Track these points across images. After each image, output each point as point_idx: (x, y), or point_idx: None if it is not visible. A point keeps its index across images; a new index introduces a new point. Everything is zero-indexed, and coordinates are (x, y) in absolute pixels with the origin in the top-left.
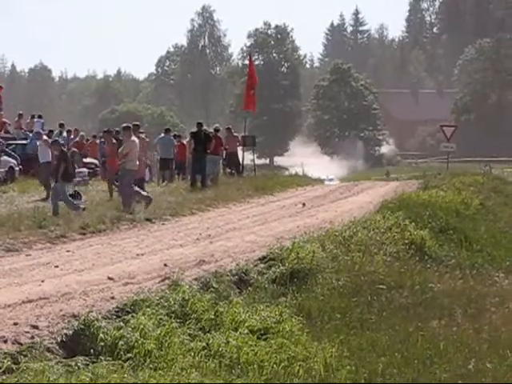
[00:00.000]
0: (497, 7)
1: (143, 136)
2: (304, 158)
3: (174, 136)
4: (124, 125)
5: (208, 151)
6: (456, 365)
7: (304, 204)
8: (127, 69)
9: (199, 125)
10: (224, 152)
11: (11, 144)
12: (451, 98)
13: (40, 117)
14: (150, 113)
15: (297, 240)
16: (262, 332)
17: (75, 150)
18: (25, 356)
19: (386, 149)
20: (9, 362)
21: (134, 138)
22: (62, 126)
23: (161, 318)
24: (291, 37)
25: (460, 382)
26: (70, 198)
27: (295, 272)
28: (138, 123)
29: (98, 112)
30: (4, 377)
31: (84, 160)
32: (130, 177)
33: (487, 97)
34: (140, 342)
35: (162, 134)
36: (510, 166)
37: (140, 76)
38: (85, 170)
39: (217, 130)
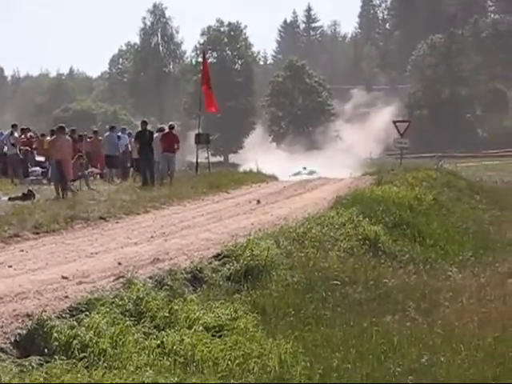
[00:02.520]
0: (449, 2)
1: (67, 137)
2: (259, 154)
3: (129, 134)
4: None
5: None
6: (410, 359)
7: (258, 201)
8: (80, 67)
9: (144, 123)
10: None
11: None
12: (404, 93)
13: None
14: (104, 111)
15: (251, 237)
16: (217, 329)
17: (28, 148)
18: None
19: (341, 145)
20: None
21: None
22: (14, 126)
23: (115, 317)
24: (244, 34)
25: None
26: None
27: (250, 269)
28: (62, 125)
29: (52, 110)
30: None
31: (37, 159)
32: None
33: (440, 92)
34: (94, 340)
35: (108, 133)
36: (463, 160)
37: (93, 74)
38: (38, 169)
39: (171, 128)
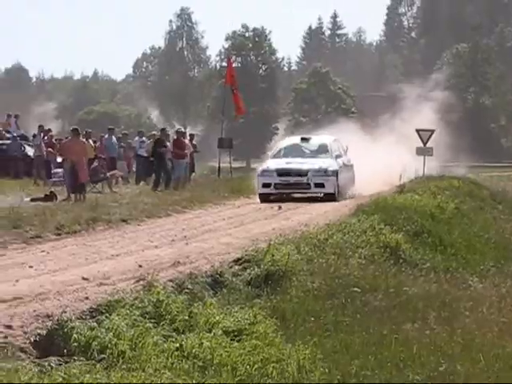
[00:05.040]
0: (475, 11)
1: (84, 140)
2: None
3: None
4: None
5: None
6: (429, 367)
7: (280, 207)
8: (104, 70)
9: (162, 131)
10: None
11: None
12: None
13: (16, 116)
14: (128, 114)
15: (272, 242)
16: (236, 333)
17: (51, 150)
18: None
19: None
20: None
21: None
22: (40, 127)
23: (135, 319)
24: (269, 40)
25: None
26: None
27: (270, 274)
28: (75, 127)
29: (76, 113)
30: None
31: (59, 160)
32: None
33: (464, 101)
34: (113, 342)
35: (106, 135)
36: (485, 170)
37: (117, 77)
38: (61, 170)
39: (179, 133)
